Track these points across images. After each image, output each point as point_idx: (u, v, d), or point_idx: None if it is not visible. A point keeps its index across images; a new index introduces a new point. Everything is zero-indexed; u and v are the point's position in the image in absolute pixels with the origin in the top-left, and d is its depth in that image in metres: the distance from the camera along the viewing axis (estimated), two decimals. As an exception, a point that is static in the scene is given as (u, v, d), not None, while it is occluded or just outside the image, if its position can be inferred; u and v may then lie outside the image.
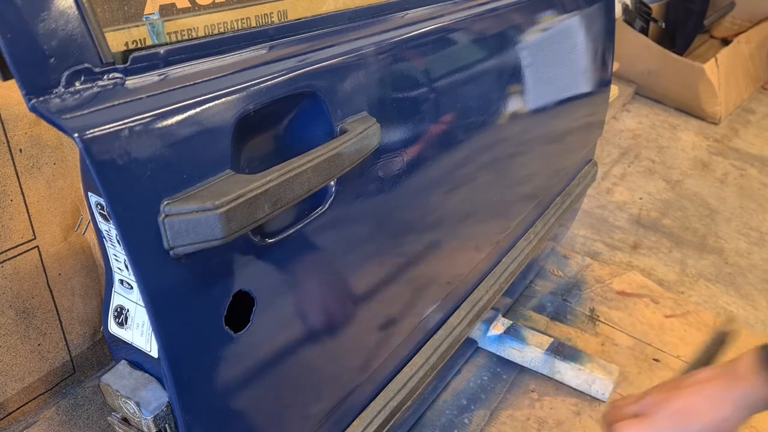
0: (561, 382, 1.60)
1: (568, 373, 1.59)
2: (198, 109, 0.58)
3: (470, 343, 1.49)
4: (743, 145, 3.20)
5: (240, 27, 0.69)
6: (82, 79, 0.52)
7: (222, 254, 0.61)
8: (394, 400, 1.01)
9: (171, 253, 0.56)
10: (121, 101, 0.54)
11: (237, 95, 0.61)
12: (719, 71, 3.33)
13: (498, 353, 1.64)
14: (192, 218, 0.55)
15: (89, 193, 0.67)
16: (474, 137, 1.06)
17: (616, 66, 2.49)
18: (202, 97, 0.58)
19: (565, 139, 1.53)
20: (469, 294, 1.25)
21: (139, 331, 0.69)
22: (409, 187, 0.90)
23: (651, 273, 2.15)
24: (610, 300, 1.94)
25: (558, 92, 1.38)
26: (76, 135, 0.48)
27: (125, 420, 0.71)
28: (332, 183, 0.74)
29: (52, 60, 0.50)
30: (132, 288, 0.69)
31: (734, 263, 2.27)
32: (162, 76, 0.58)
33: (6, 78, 0.49)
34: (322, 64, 0.71)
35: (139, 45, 0.60)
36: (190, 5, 0.64)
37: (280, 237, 0.69)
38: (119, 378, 0.70)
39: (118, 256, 0.68)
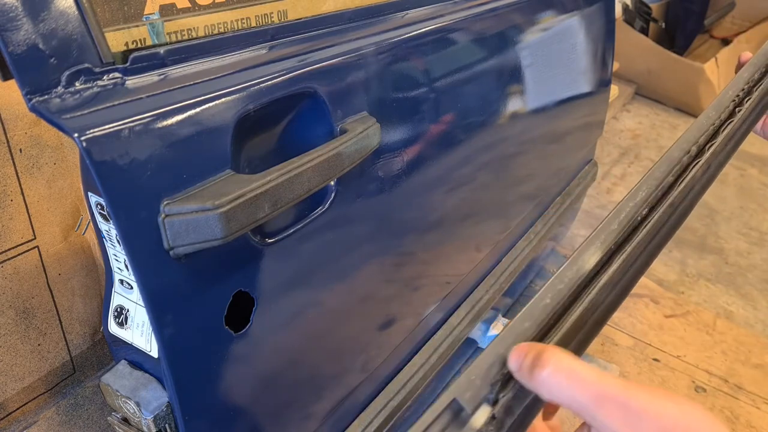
0: (561, 382, 1.60)
1: (568, 373, 1.58)
2: (198, 109, 0.58)
3: (470, 343, 1.49)
4: (743, 144, 3.20)
5: (240, 27, 0.69)
6: (82, 79, 0.52)
7: (222, 254, 0.61)
8: (394, 400, 1.01)
9: (171, 253, 0.56)
10: (121, 101, 0.54)
11: (237, 95, 0.61)
12: (719, 71, 3.33)
13: (498, 353, 1.63)
14: (192, 218, 0.55)
15: (89, 193, 0.67)
16: (474, 137, 1.06)
17: (616, 66, 2.49)
18: (202, 97, 0.58)
19: (565, 139, 1.52)
20: (469, 294, 1.25)
21: (139, 331, 0.69)
22: (409, 187, 0.90)
23: (651, 273, 2.15)
24: (610, 300, 1.94)
25: (558, 92, 1.38)
26: (76, 135, 0.48)
27: (125, 420, 0.71)
28: (332, 183, 0.74)
29: (52, 60, 0.50)
30: (132, 288, 0.69)
31: (734, 263, 2.27)
32: (162, 76, 0.58)
33: (6, 78, 0.49)
34: (322, 64, 0.71)
35: (139, 45, 0.59)
36: (190, 5, 0.64)
37: (280, 237, 0.69)
38: (119, 378, 0.70)
39: (118, 256, 0.68)
